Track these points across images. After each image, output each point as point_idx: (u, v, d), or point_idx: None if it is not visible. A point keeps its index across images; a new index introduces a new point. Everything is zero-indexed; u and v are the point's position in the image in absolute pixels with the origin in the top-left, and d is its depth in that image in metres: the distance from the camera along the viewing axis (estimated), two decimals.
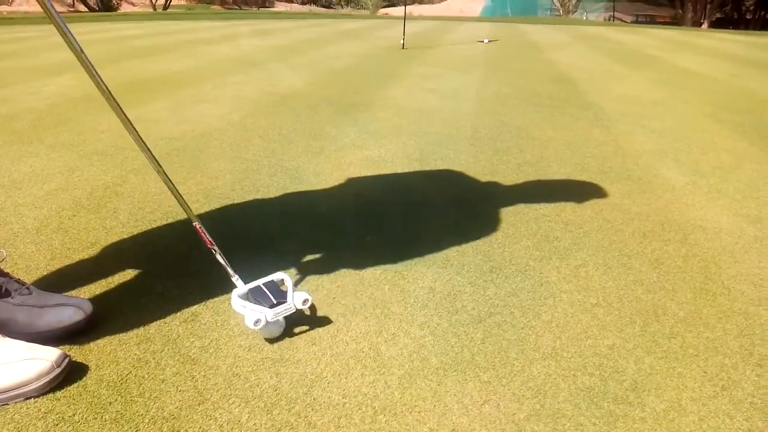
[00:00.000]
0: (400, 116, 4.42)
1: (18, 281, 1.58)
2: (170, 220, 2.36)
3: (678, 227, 2.42)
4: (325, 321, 1.68)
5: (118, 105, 1.41)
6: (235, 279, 1.66)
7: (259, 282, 1.66)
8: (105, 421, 1.28)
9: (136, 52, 8.59)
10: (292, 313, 1.57)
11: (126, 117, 1.44)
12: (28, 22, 16.48)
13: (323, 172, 3.02)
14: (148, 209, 2.47)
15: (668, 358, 1.55)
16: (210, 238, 1.65)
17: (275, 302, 1.56)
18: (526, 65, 8.01)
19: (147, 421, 1.28)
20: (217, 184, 2.79)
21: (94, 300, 1.65)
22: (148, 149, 1.52)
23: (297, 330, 1.63)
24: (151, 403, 1.33)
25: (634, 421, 1.31)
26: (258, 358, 1.51)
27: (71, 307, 1.56)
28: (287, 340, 1.58)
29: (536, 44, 11.87)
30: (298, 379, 1.43)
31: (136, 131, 1.47)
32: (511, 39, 13.22)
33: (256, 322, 1.48)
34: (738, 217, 2.55)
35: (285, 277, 1.69)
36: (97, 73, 1.36)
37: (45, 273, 1.92)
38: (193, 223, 1.64)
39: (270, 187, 2.79)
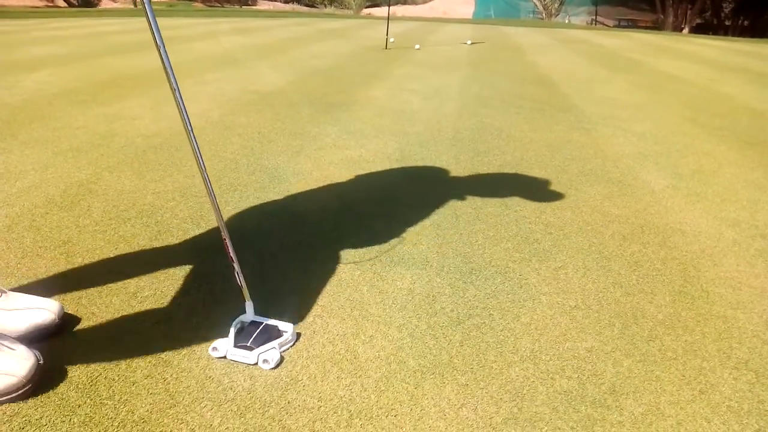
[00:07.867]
0: (381, 116, 4.40)
1: None
2: (144, 219, 2.31)
3: (657, 230, 2.43)
4: (301, 322, 1.65)
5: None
6: (248, 305, 1.58)
7: (264, 321, 1.57)
8: (73, 424, 1.24)
9: (115, 48, 8.47)
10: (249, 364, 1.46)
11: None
12: (3, 16, 16.19)
13: (303, 172, 2.99)
14: (122, 207, 2.42)
15: (646, 362, 1.54)
16: (233, 256, 1.53)
17: (247, 345, 1.46)
18: (508, 67, 8.03)
19: (116, 424, 1.24)
20: (194, 182, 2.74)
21: (65, 299, 1.61)
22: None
23: None
24: (121, 406, 1.30)
25: (612, 425, 1.31)
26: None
27: (41, 310, 1.51)
28: None
29: (519, 46, 11.93)
30: (272, 382, 1.40)
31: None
32: (494, 41, 13.27)
33: (213, 349, 1.48)
34: (717, 220, 2.57)
35: (289, 331, 1.54)
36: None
37: (15, 271, 1.87)
38: (223, 237, 1.52)
39: (248, 186, 2.75)
